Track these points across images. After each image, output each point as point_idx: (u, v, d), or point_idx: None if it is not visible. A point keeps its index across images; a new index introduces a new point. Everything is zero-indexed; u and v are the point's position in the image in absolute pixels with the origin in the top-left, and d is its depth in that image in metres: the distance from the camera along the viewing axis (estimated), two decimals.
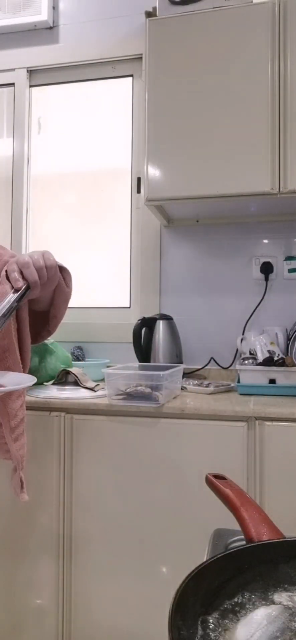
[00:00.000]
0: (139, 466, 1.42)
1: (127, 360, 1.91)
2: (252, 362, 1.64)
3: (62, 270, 1.11)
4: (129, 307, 2.14)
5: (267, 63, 1.60)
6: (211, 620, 0.41)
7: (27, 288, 0.99)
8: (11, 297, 0.95)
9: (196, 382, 1.73)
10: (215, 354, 1.97)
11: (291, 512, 1.29)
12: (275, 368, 1.60)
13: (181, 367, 1.63)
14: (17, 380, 0.81)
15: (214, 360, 1.97)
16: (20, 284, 0.97)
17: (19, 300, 0.96)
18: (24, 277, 0.99)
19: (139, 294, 2.10)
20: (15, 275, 0.98)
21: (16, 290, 0.97)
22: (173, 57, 1.68)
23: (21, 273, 0.99)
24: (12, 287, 0.97)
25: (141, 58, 2.08)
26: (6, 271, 1.01)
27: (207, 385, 1.67)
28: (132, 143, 2.16)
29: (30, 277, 0.99)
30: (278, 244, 1.96)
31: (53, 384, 1.68)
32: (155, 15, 1.72)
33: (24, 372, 1.07)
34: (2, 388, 0.76)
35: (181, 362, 1.85)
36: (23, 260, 0.99)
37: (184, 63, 1.67)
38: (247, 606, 0.43)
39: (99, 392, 1.55)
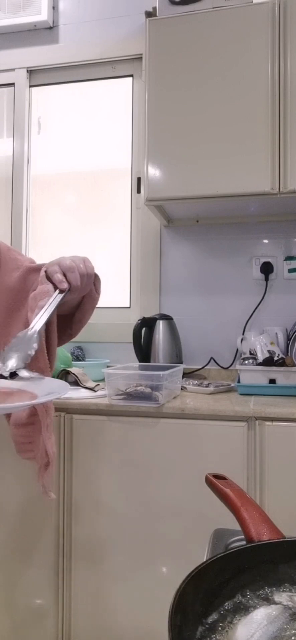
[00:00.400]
0: (139, 466, 1.42)
1: (127, 360, 1.91)
2: (252, 362, 1.64)
3: (94, 276, 1.12)
4: (129, 307, 2.14)
5: (267, 63, 1.60)
6: (211, 621, 0.41)
7: (68, 291, 1.00)
8: (57, 297, 0.97)
9: (196, 382, 1.73)
10: (215, 354, 1.97)
11: (291, 512, 1.29)
12: (275, 368, 1.59)
13: (181, 367, 1.63)
14: (49, 387, 0.79)
15: (214, 360, 1.97)
16: (66, 285, 0.99)
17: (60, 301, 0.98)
18: (67, 280, 1.00)
19: (139, 294, 2.10)
20: (60, 276, 0.99)
21: (61, 291, 0.98)
22: (173, 57, 1.68)
23: (64, 275, 1.00)
24: (56, 288, 0.98)
25: (141, 58, 2.08)
26: (46, 272, 1.02)
27: (207, 385, 1.67)
28: (132, 143, 2.16)
29: (73, 282, 1.01)
30: (278, 244, 1.96)
31: None
32: (155, 15, 1.72)
33: (51, 371, 1.07)
34: (37, 400, 0.75)
35: (181, 362, 1.85)
36: (66, 264, 1.01)
37: (184, 63, 1.67)
38: (247, 606, 0.43)
39: (99, 392, 1.55)
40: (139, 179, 2.13)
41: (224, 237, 2.01)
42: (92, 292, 1.12)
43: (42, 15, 2.17)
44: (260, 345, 1.66)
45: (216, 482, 0.58)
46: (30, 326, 0.88)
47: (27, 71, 2.25)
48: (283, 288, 1.94)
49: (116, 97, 2.19)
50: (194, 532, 1.36)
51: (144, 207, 1.95)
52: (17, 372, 0.79)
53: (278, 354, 1.63)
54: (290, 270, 1.93)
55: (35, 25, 2.21)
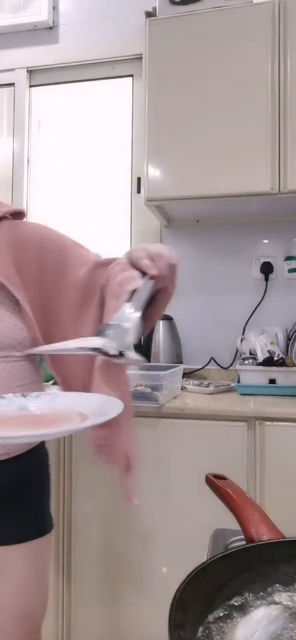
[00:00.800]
0: (139, 466, 1.42)
1: None
2: (252, 362, 1.64)
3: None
4: None
5: (267, 63, 1.60)
6: (211, 620, 0.41)
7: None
8: (150, 282, 0.88)
9: (196, 382, 1.73)
10: (215, 354, 1.97)
11: (291, 512, 1.29)
12: (275, 368, 1.60)
13: (181, 367, 1.63)
14: (101, 407, 0.71)
15: (214, 360, 1.97)
16: (155, 271, 0.89)
17: None
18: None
19: None
20: (148, 262, 0.90)
21: (151, 277, 0.89)
22: (173, 57, 1.68)
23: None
24: (143, 274, 0.89)
25: (141, 58, 2.08)
26: (129, 258, 0.94)
27: (207, 385, 1.66)
28: (132, 143, 2.16)
29: (161, 270, 0.91)
30: (278, 244, 1.96)
31: (53, 383, 1.67)
32: (155, 15, 1.72)
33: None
34: (86, 423, 0.67)
35: (181, 362, 1.85)
36: (155, 251, 0.92)
37: (184, 63, 1.67)
38: (247, 606, 0.43)
39: None
40: (139, 179, 2.13)
41: (225, 237, 2.01)
42: (168, 287, 1.02)
43: (42, 15, 2.17)
44: (260, 345, 1.66)
45: (216, 482, 0.58)
46: (130, 309, 0.80)
47: (27, 71, 2.25)
48: (283, 288, 1.94)
49: (116, 97, 2.19)
50: (194, 532, 1.36)
51: (144, 207, 1.94)
52: (123, 353, 0.72)
53: (278, 354, 1.63)
54: (290, 270, 1.93)
55: (35, 25, 2.21)
